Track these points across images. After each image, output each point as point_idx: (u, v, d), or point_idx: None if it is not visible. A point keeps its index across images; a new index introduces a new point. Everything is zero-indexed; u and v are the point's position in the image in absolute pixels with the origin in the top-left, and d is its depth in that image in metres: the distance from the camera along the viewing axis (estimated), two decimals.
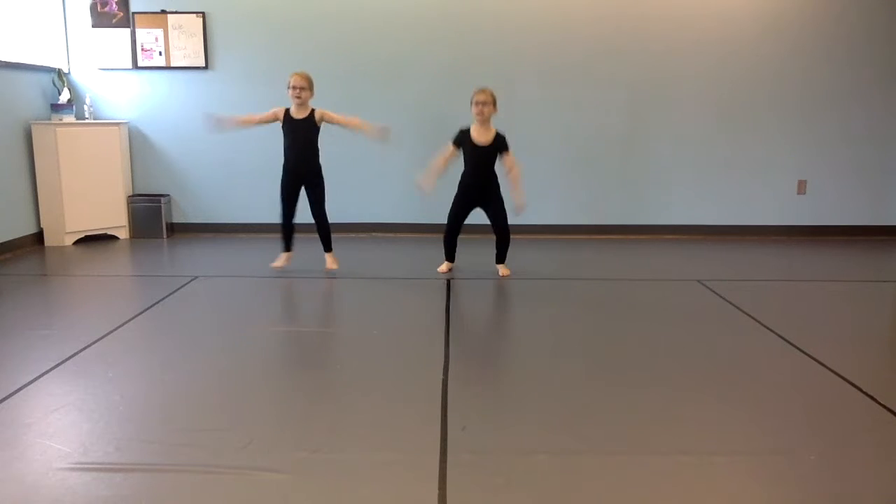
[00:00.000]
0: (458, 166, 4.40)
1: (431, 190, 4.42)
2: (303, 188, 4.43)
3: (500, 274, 4.50)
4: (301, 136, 4.32)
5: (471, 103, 4.28)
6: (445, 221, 4.48)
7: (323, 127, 4.40)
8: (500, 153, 4.34)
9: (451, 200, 4.46)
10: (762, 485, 2.02)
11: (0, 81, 4.89)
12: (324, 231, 4.51)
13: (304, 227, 4.66)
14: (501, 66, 5.46)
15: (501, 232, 4.46)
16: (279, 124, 4.36)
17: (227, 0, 5.55)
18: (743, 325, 3.50)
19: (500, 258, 4.55)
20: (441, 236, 4.50)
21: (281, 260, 4.52)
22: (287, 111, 4.32)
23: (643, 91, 5.67)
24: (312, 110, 4.33)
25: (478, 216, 4.59)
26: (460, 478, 2.02)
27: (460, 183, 4.43)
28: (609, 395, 2.62)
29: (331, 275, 4.45)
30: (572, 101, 5.67)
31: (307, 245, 4.78)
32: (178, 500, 1.92)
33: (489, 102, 4.23)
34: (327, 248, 4.56)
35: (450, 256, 4.57)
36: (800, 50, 5.63)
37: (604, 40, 5.60)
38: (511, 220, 4.51)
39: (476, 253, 4.81)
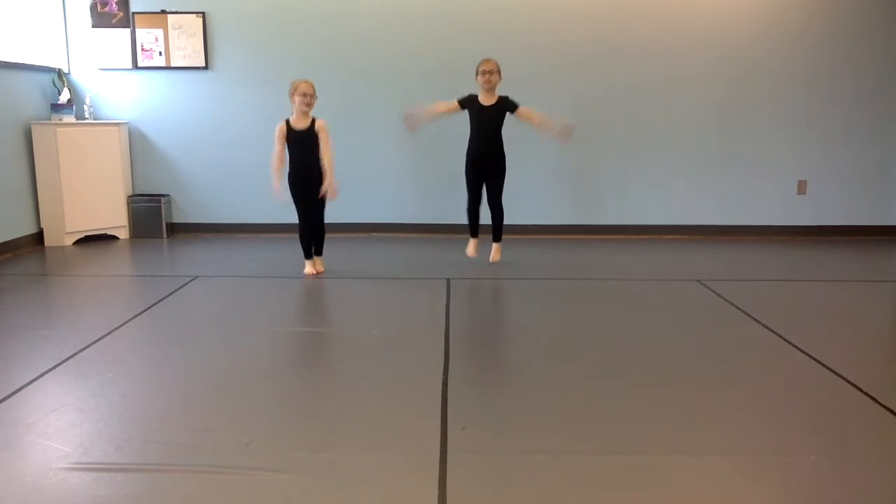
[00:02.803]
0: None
1: (414, 128, 4.58)
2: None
3: (492, 258, 4.60)
4: (304, 147, 4.26)
5: (476, 74, 4.44)
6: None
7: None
8: (511, 112, 4.45)
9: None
10: (762, 485, 2.02)
11: (0, 81, 4.90)
12: (319, 236, 4.48)
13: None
14: (501, 65, 5.45)
15: (497, 208, 4.57)
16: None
17: (227, 0, 5.55)
18: (743, 324, 3.49)
19: (497, 236, 4.65)
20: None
21: (310, 266, 4.46)
22: (288, 124, 4.24)
23: (643, 90, 5.67)
24: (313, 121, 4.27)
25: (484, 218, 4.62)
26: (460, 478, 2.02)
27: (467, 153, 4.54)
28: (609, 395, 2.62)
29: (324, 276, 4.44)
30: (571, 101, 5.66)
31: None
32: (178, 500, 1.92)
33: (494, 71, 4.40)
34: (318, 251, 4.52)
35: (475, 231, 4.67)
36: (800, 50, 5.63)
37: (603, 40, 5.59)
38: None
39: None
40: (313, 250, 4.48)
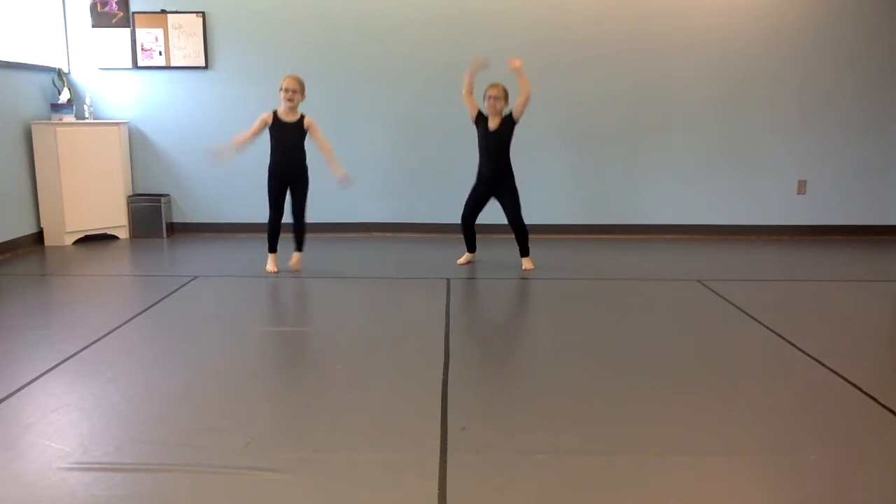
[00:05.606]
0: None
1: (478, 68, 4.44)
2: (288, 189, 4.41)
3: (524, 268, 4.57)
4: (289, 139, 4.31)
5: (483, 97, 4.38)
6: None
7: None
8: (516, 122, 4.39)
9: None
10: (762, 485, 2.02)
11: (0, 81, 4.89)
12: (300, 230, 4.47)
13: (308, 228, 4.66)
14: (501, 65, 5.45)
15: (517, 226, 4.55)
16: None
17: (227, 0, 5.55)
18: (743, 324, 3.49)
19: (523, 251, 4.62)
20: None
21: (272, 263, 4.46)
22: (275, 114, 4.30)
23: (643, 91, 5.67)
24: (302, 116, 4.33)
25: (484, 216, 4.62)
26: (460, 478, 2.02)
27: (478, 172, 4.53)
28: (609, 395, 2.62)
29: (321, 276, 4.44)
30: (572, 102, 5.66)
31: (308, 246, 4.77)
32: (178, 500, 1.92)
33: (500, 97, 4.34)
34: (299, 247, 4.49)
35: (469, 247, 4.67)
36: (799, 49, 5.63)
37: (604, 40, 5.59)
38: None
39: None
40: (294, 245, 4.47)
